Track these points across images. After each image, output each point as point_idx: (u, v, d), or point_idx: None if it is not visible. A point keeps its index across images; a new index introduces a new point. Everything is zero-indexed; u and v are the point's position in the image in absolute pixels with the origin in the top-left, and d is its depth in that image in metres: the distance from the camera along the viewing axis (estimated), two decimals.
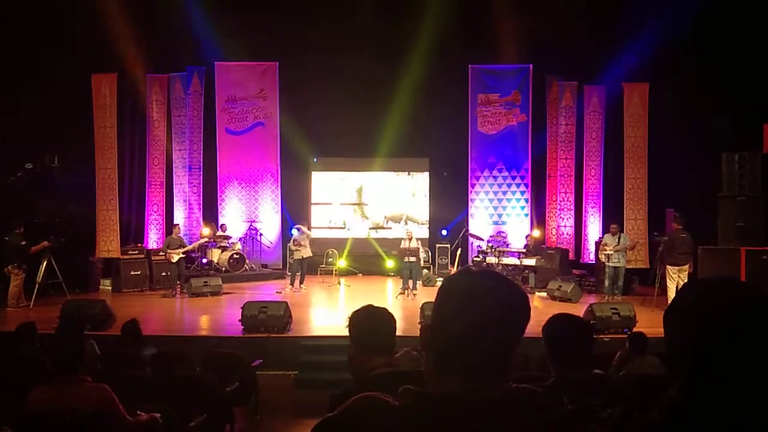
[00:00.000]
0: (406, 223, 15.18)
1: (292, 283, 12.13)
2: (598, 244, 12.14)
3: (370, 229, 15.56)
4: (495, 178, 14.39)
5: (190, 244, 12.68)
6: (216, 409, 4.48)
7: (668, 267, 9.93)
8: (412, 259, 11.32)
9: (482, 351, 1.17)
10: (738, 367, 1.09)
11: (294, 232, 12.49)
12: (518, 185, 14.35)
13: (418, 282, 11.80)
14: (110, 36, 12.15)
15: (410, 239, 11.46)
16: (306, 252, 12.02)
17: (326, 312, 10.31)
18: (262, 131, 14.63)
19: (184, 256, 11.81)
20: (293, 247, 12.24)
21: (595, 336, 2.77)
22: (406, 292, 11.34)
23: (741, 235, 9.46)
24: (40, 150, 11.63)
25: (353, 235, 15.38)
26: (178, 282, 11.72)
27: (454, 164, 14.89)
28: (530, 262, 12.27)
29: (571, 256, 13.66)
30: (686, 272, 9.79)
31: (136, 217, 13.83)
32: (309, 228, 12.56)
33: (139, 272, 12.40)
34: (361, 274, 14.51)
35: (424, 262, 14.07)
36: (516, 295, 1.22)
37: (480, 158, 14.41)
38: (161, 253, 12.39)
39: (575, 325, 2.60)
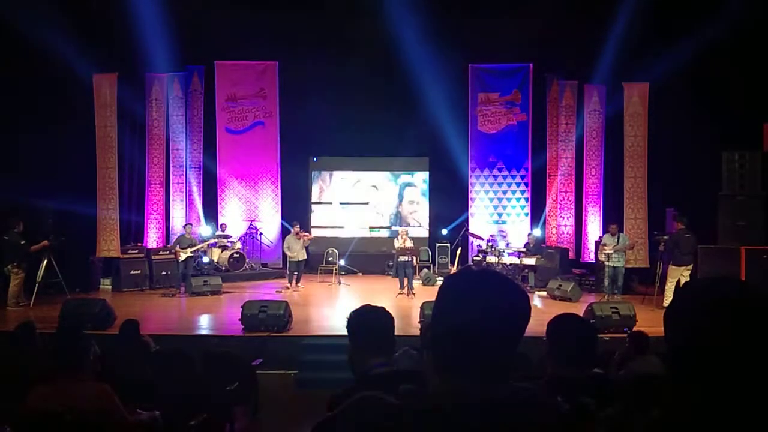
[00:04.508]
0: (408, 223, 15.18)
1: (290, 282, 12.16)
2: (598, 243, 12.14)
3: (371, 228, 15.55)
4: (495, 177, 14.39)
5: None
6: (216, 409, 4.49)
7: (672, 267, 9.92)
8: (406, 258, 11.33)
9: (482, 350, 1.17)
10: (738, 367, 1.09)
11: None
12: (518, 184, 14.35)
13: (415, 281, 11.81)
14: (110, 36, 12.15)
15: (405, 239, 11.47)
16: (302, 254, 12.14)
17: (326, 311, 10.32)
18: (261, 130, 14.62)
19: (192, 255, 11.81)
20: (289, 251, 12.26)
21: (597, 336, 2.77)
22: (405, 290, 11.36)
23: (741, 235, 9.46)
24: (40, 150, 11.63)
25: (353, 234, 15.38)
26: (183, 282, 11.72)
27: (454, 163, 14.87)
28: (530, 261, 12.26)
29: (571, 255, 13.67)
30: (689, 271, 9.79)
31: (136, 217, 13.82)
32: (301, 231, 12.45)
33: (139, 271, 12.40)
34: (360, 274, 14.52)
35: (424, 261, 14.10)
36: (516, 295, 1.22)
37: (480, 157, 14.41)
38: (166, 251, 12.41)
39: (582, 326, 2.60)
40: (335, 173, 15.68)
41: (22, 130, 11.47)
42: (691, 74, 11.34)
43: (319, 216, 15.62)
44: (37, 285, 10.40)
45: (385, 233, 15.39)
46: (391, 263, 13.75)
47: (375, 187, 15.66)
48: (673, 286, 9.65)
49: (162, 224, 13.88)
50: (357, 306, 2.34)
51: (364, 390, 1.25)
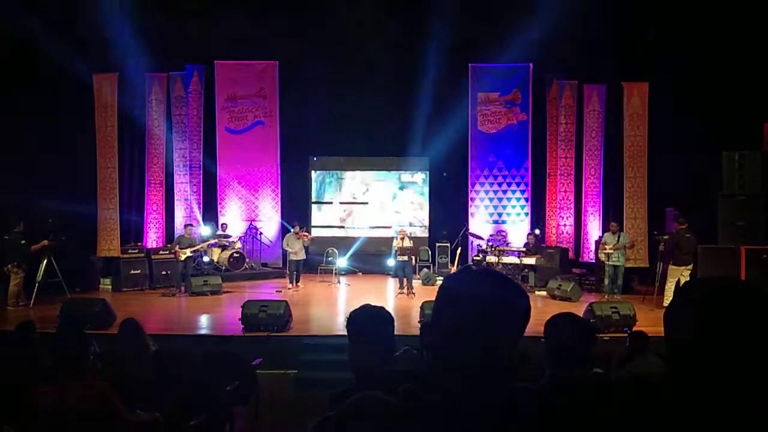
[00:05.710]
0: (408, 223, 15.18)
1: (291, 281, 12.19)
2: (598, 243, 12.13)
3: (371, 228, 15.55)
4: (495, 177, 14.38)
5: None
6: (216, 409, 4.48)
7: (672, 266, 9.93)
8: (404, 258, 11.35)
9: (482, 350, 1.17)
10: (738, 366, 1.09)
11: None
12: (518, 184, 14.34)
13: (415, 281, 11.81)
14: (111, 36, 12.16)
15: (403, 238, 11.48)
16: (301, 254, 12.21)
17: (326, 311, 10.32)
18: (262, 130, 14.61)
19: (191, 255, 11.82)
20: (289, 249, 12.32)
21: (595, 336, 2.77)
22: (405, 290, 11.36)
23: (741, 235, 9.46)
24: (40, 150, 11.64)
25: (353, 234, 15.38)
26: (183, 282, 11.73)
27: (454, 164, 14.87)
28: (530, 261, 12.27)
29: (571, 255, 13.66)
30: (689, 271, 9.80)
31: (136, 216, 13.82)
32: (302, 229, 12.52)
33: (139, 271, 12.40)
34: (360, 273, 14.52)
35: (424, 260, 14.10)
36: (516, 295, 1.22)
37: (480, 157, 14.40)
38: (166, 251, 12.40)
39: (578, 325, 2.60)
40: (335, 173, 15.68)
41: (23, 131, 11.48)
42: (691, 73, 11.33)
43: (319, 216, 15.62)
44: (37, 285, 10.40)
45: (384, 233, 15.37)
46: (390, 263, 13.76)
47: (375, 186, 15.66)
48: (673, 286, 9.66)
49: (162, 224, 13.88)
50: (357, 306, 2.33)
51: (364, 390, 1.25)
